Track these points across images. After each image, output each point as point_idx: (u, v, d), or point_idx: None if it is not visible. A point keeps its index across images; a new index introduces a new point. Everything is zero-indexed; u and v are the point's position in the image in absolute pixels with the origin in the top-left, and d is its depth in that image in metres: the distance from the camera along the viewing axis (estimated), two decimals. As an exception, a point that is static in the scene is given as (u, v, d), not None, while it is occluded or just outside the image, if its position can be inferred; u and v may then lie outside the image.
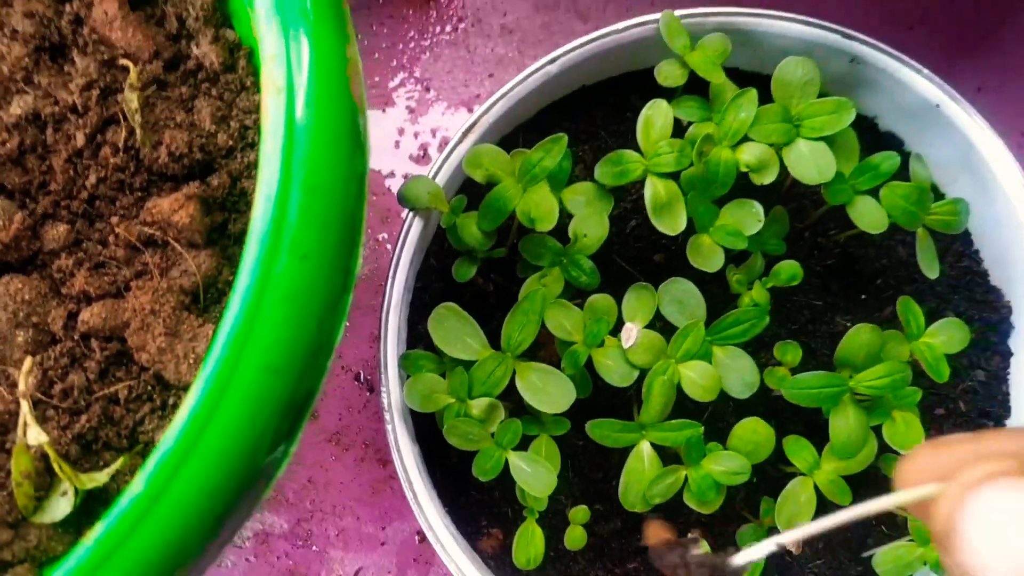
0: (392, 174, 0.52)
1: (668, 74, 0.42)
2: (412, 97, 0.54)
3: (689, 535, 0.43)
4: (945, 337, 0.41)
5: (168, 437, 0.24)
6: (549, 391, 0.39)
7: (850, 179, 0.42)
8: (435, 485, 0.43)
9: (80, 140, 0.31)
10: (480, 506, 0.45)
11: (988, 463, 0.23)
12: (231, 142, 0.32)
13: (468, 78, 0.54)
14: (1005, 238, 0.45)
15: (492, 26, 0.54)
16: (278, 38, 0.26)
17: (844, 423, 0.39)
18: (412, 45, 0.54)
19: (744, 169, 0.40)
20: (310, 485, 0.50)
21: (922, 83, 0.44)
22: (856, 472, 0.40)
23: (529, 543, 0.41)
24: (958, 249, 0.48)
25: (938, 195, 0.48)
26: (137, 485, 0.23)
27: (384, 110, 0.54)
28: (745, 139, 0.41)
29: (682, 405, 0.39)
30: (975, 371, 0.46)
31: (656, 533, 0.38)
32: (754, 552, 0.28)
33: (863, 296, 0.47)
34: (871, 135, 0.48)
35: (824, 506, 0.41)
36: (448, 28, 0.54)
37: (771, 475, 0.44)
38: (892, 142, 0.48)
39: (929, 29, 0.55)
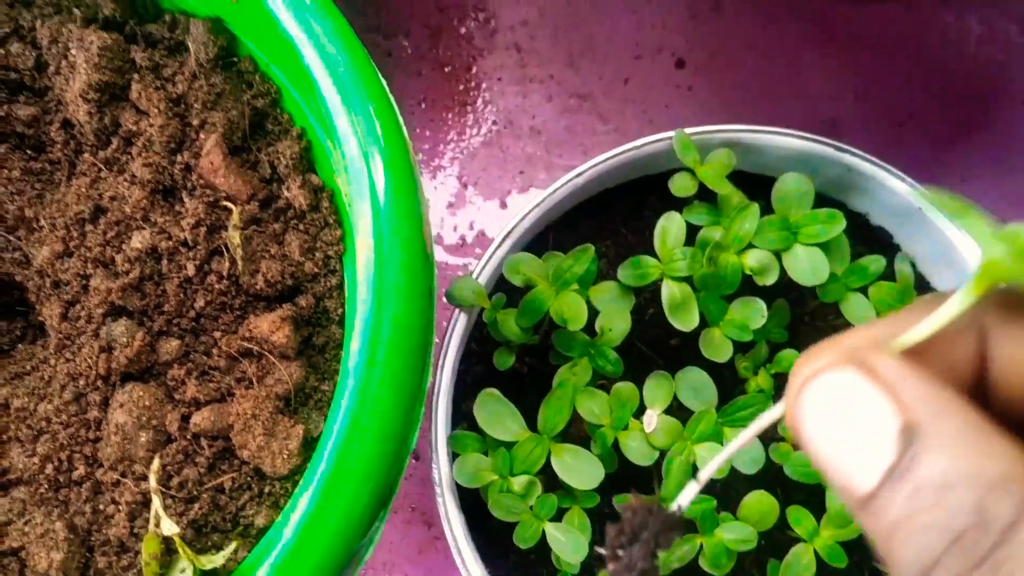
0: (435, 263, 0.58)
1: (681, 186, 0.48)
2: (452, 192, 0.60)
3: None
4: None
5: (288, 531, 0.30)
6: (580, 469, 0.44)
7: (842, 278, 0.48)
8: (478, 548, 0.49)
9: (190, 270, 0.37)
10: (519, 568, 0.50)
11: (820, 356, 0.23)
12: (316, 269, 0.38)
13: (501, 174, 0.60)
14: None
15: (522, 128, 0.61)
16: (367, 205, 0.32)
17: (834, 495, 0.45)
18: (452, 145, 0.60)
19: (748, 272, 0.46)
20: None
21: (905, 189, 0.50)
22: (851, 539, 0.46)
23: (562, 604, 0.46)
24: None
25: (926, 285, 0.54)
26: (263, 571, 0.29)
27: (428, 206, 0.60)
28: (749, 245, 0.47)
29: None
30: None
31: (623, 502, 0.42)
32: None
33: (858, 375, 0.53)
34: (864, 230, 0.54)
35: (824, 569, 0.46)
36: (483, 130, 0.61)
37: (777, 539, 0.50)
38: (882, 235, 0.54)
39: (917, 126, 0.61)
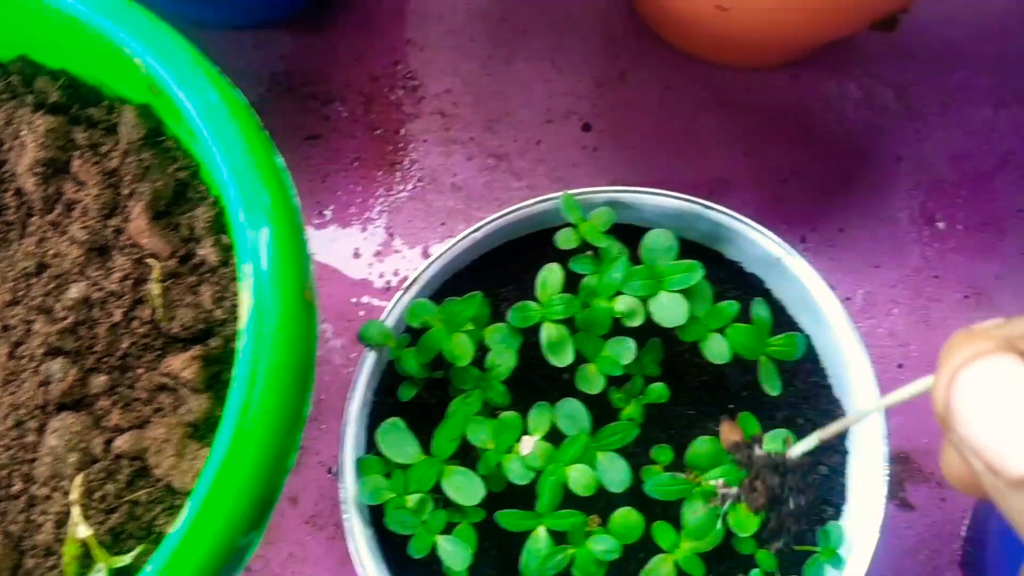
0: (361, 305, 0.65)
1: (565, 240, 0.55)
2: (380, 242, 0.67)
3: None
4: (774, 444, 0.53)
5: (174, 530, 0.37)
6: (465, 488, 0.51)
7: (703, 320, 0.54)
8: (388, 562, 0.55)
9: (118, 316, 0.44)
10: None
11: (977, 343, 0.24)
12: (225, 316, 0.45)
13: (425, 226, 0.67)
14: (837, 361, 0.57)
15: (445, 184, 0.68)
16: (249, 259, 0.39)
17: (692, 513, 0.51)
18: (381, 199, 0.68)
19: (617, 315, 0.53)
20: (291, 558, 0.62)
21: (766, 242, 0.57)
22: (708, 550, 0.52)
23: (452, 606, 0.52)
24: (808, 367, 0.59)
25: (794, 325, 0.60)
26: (151, 565, 0.36)
27: (358, 254, 0.67)
28: (619, 292, 0.53)
29: (585, 498, 0.51)
30: (819, 467, 0.58)
31: (727, 435, 0.49)
32: (804, 444, 0.35)
33: (731, 406, 0.59)
34: (739, 276, 0.61)
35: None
36: (409, 186, 0.68)
37: (654, 552, 0.56)
38: (754, 281, 0.60)
39: (801, 181, 0.68)
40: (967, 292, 0.66)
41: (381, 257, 0.66)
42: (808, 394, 0.59)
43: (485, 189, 0.67)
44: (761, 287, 0.61)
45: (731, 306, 0.54)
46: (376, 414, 0.57)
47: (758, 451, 0.43)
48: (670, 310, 0.53)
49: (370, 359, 0.55)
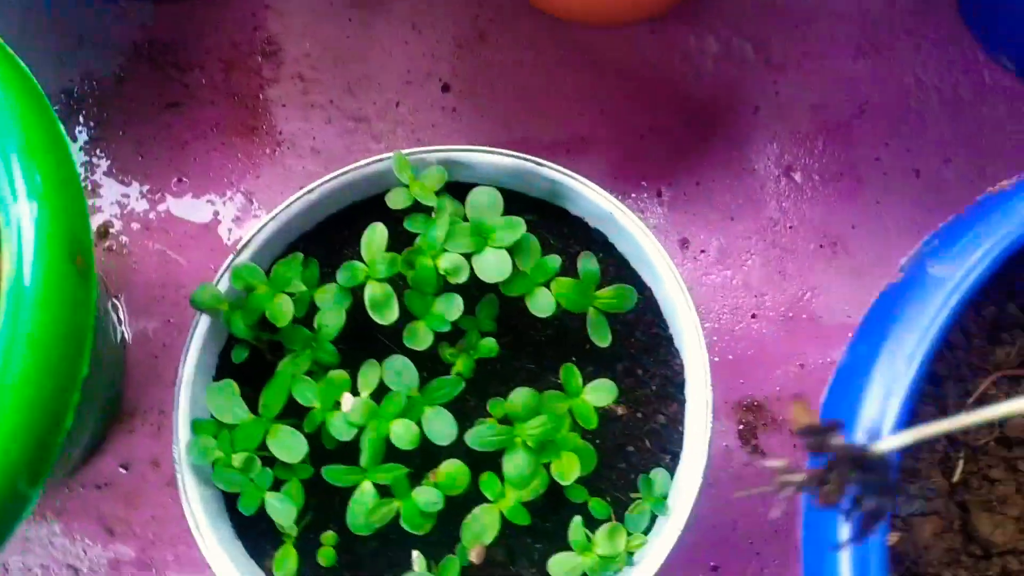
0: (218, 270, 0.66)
1: (396, 200, 0.56)
2: (239, 207, 0.68)
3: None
4: (596, 395, 0.54)
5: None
6: (288, 445, 0.52)
7: (531, 275, 0.55)
8: (235, 522, 0.57)
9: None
10: (269, 535, 0.57)
11: None
12: None
13: (283, 191, 0.68)
14: (674, 313, 0.58)
15: (304, 148, 0.68)
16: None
17: (514, 462, 0.52)
18: (240, 164, 0.68)
19: (443, 273, 0.54)
20: (153, 520, 0.63)
21: (598, 198, 0.57)
22: (532, 499, 0.53)
23: (283, 562, 0.54)
24: (649, 319, 0.60)
25: (632, 278, 0.61)
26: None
27: (218, 220, 0.68)
28: (444, 250, 0.54)
29: (424, 452, 0.52)
30: (657, 416, 0.59)
31: (799, 417, 0.49)
32: (899, 439, 0.32)
33: (573, 359, 0.60)
34: (583, 232, 0.61)
35: (509, 526, 0.54)
36: (268, 151, 0.68)
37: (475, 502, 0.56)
38: (598, 236, 0.61)
39: (659, 137, 0.68)
40: (822, 242, 0.67)
41: (240, 223, 0.67)
42: (649, 345, 0.60)
43: (345, 152, 0.68)
44: (605, 242, 0.61)
45: (554, 260, 0.54)
46: (219, 378, 0.58)
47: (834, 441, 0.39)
48: (493, 266, 0.54)
49: (203, 323, 0.56)
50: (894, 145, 0.68)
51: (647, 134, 0.68)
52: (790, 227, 0.67)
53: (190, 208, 0.67)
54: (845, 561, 0.37)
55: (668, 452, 0.58)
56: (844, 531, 0.37)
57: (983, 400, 0.43)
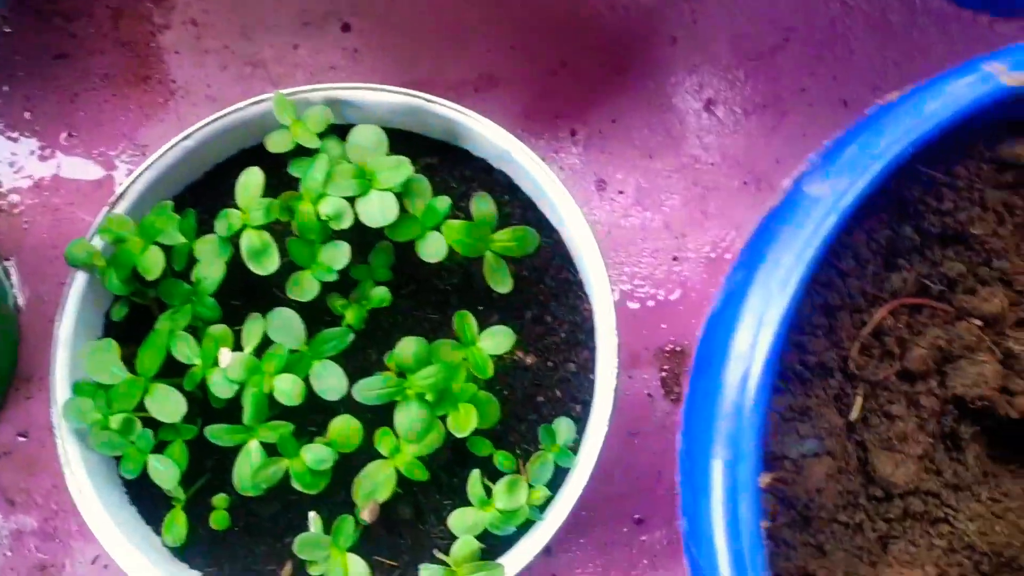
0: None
1: (276, 143, 0.53)
2: (132, 159, 0.64)
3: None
4: (493, 342, 0.51)
5: None
6: (167, 405, 0.49)
7: (422, 219, 0.52)
8: (131, 490, 0.54)
9: None
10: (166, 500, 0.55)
11: None
12: None
13: (178, 141, 0.64)
14: (580, 256, 0.55)
15: (199, 96, 0.65)
16: None
17: (406, 415, 0.49)
18: (132, 115, 0.65)
19: (324, 219, 0.51)
20: (55, 489, 0.61)
21: (494, 135, 0.54)
22: (429, 453, 0.51)
23: (172, 526, 0.51)
24: (558, 264, 0.57)
25: (539, 221, 0.57)
26: None
27: (112, 173, 0.64)
28: (326, 194, 0.51)
29: (313, 407, 0.50)
30: (568, 364, 0.56)
31: None
32: None
33: (480, 308, 0.57)
34: (486, 173, 0.58)
35: (418, 484, 0.52)
36: (161, 100, 0.65)
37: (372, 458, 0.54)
38: (502, 178, 0.58)
39: (570, 72, 0.65)
40: (746, 179, 0.64)
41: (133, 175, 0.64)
42: (558, 291, 0.57)
43: (242, 99, 0.64)
44: (509, 183, 0.58)
45: (443, 201, 0.51)
46: (114, 336, 0.55)
47: None
48: (378, 209, 0.51)
49: (80, 280, 0.53)
50: (820, 74, 0.65)
51: (559, 70, 0.65)
52: (712, 164, 0.64)
53: (83, 164, 0.64)
54: (718, 505, 0.34)
55: (579, 401, 0.56)
56: (717, 476, 0.35)
57: (880, 331, 0.40)
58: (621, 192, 0.64)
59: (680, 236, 0.64)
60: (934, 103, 0.35)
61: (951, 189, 0.39)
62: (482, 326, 0.52)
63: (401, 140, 0.58)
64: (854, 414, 0.40)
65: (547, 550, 0.61)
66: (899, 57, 0.65)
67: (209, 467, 0.54)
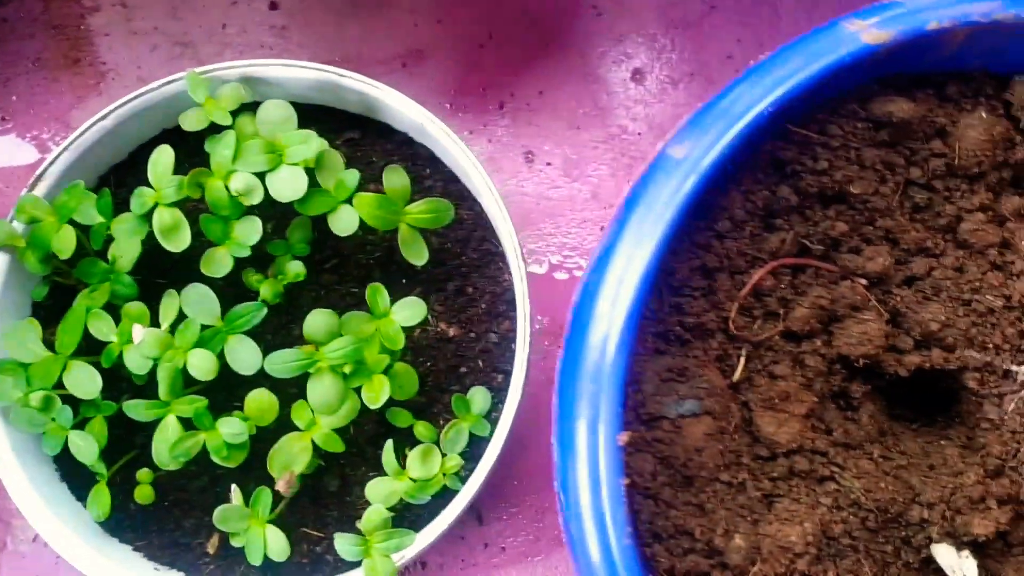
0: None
1: (189, 121, 0.53)
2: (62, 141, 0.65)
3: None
4: (405, 313, 0.51)
5: None
6: (83, 381, 0.50)
7: (334, 192, 0.52)
8: (62, 467, 0.55)
9: None
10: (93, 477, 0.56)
11: None
12: None
13: (110, 124, 0.65)
14: (496, 226, 0.55)
15: (129, 78, 0.65)
16: None
17: (319, 388, 0.50)
18: (64, 99, 0.65)
19: (235, 194, 0.51)
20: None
21: (408, 108, 0.54)
22: (344, 425, 0.51)
23: (96, 501, 0.52)
24: (481, 235, 0.58)
25: (461, 195, 0.58)
26: None
27: (44, 156, 0.65)
28: (236, 170, 0.51)
29: (242, 382, 0.50)
30: (490, 335, 0.57)
31: None
32: None
33: (403, 281, 0.57)
34: (407, 146, 0.58)
35: (344, 456, 0.53)
36: (92, 83, 0.65)
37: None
38: (423, 151, 0.58)
39: (497, 46, 0.65)
40: (674, 147, 0.64)
41: (67, 159, 0.64)
42: (480, 262, 0.58)
43: (172, 80, 0.65)
44: (431, 156, 0.58)
45: (353, 175, 0.52)
46: (42, 317, 0.56)
47: None
48: (288, 184, 0.51)
49: (2, 261, 0.53)
50: (746, 40, 0.64)
51: (487, 43, 0.65)
52: (639, 134, 0.64)
53: (15, 148, 0.65)
54: (582, 465, 0.35)
55: (500, 371, 0.56)
56: (581, 436, 0.35)
57: (761, 292, 0.41)
58: (549, 164, 0.64)
59: (608, 207, 0.64)
60: (796, 62, 0.36)
61: (826, 148, 0.39)
62: (404, 298, 0.52)
63: (322, 116, 0.59)
64: (737, 374, 0.41)
65: (479, 519, 0.62)
66: (828, 19, 0.64)
67: (139, 443, 0.55)
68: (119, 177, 0.58)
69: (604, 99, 0.64)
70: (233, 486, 0.53)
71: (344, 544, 0.50)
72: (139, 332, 0.50)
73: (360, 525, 0.50)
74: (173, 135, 0.58)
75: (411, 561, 0.52)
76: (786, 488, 0.41)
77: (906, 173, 0.41)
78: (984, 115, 0.39)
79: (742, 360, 0.41)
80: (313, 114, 0.59)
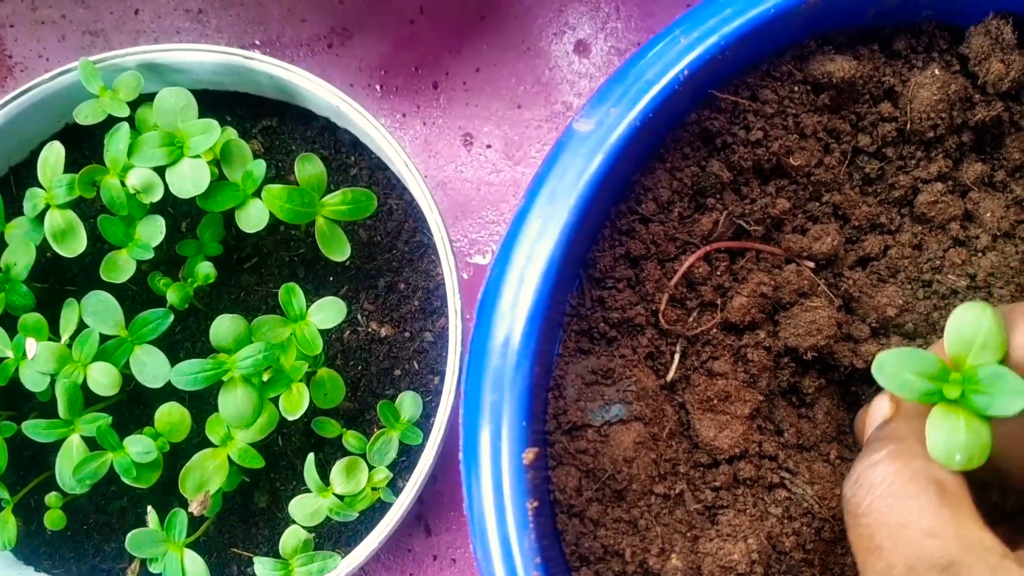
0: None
1: (85, 114, 0.49)
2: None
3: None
4: (323, 315, 0.47)
5: None
6: (-27, 402, 0.46)
7: (243, 185, 0.48)
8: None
9: None
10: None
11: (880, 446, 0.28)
12: None
13: (19, 121, 0.60)
14: (425, 215, 0.51)
15: (38, 70, 0.61)
16: None
17: (230, 400, 0.46)
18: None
19: (133, 192, 0.47)
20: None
21: (319, 90, 0.50)
22: (262, 439, 0.47)
23: (3, 528, 0.48)
24: (413, 226, 0.53)
25: (389, 182, 0.54)
26: None
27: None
28: (132, 165, 0.47)
29: (145, 397, 0.46)
30: (425, 334, 0.52)
31: None
32: None
33: (330, 279, 0.53)
34: (329, 133, 0.54)
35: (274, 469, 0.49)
36: (-2, 78, 0.61)
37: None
38: (346, 137, 0.54)
39: (428, 21, 0.60)
40: (623, 123, 0.59)
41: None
42: (412, 255, 0.53)
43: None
44: (355, 142, 0.54)
45: (259, 166, 0.47)
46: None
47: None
48: (189, 178, 0.47)
49: None
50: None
51: (418, 18, 0.60)
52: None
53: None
54: (486, 482, 0.31)
55: (437, 372, 0.52)
56: (484, 450, 0.31)
57: (694, 280, 0.36)
58: (489, 146, 0.59)
59: (555, 189, 0.59)
60: (715, 19, 0.31)
61: (759, 116, 0.35)
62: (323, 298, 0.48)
63: (237, 103, 0.54)
64: (670, 374, 0.36)
65: (427, 530, 0.58)
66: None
67: (52, 464, 0.51)
68: (19, 178, 0.54)
69: (546, 74, 0.60)
70: (149, 508, 0.49)
71: (264, 569, 0.46)
72: (32, 346, 0.46)
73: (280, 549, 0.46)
74: (78, 131, 0.54)
75: (350, 574, 0.48)
76: (730, 499, 0.37)
77: (853, 141, 0.37)
78: (937, 72, 0.35)
79: (676, 357, 0.37)
80: (227, 101, 0.54)
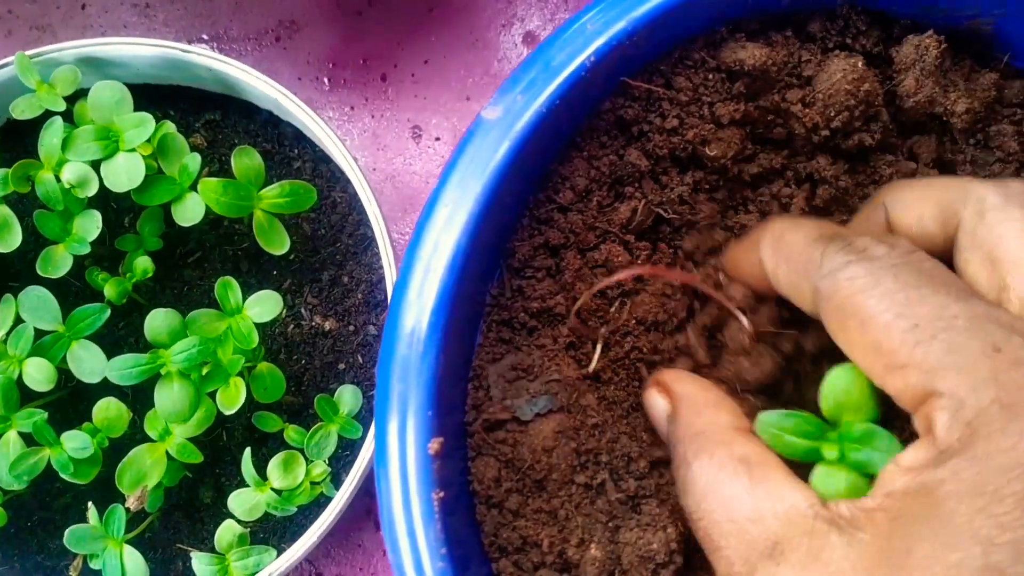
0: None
1: (20, 109, 0.49)
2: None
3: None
4: (259, 309, 0.47)
5: None
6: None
7: (180, 180, 0.48)
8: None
9: None
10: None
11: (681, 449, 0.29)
12: None
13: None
14: (367, 209, 0.51)
15: None
16: None
17: (167, 394, 0.46)
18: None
19: (68, 186, 0.47)
20: None
21: (258, 83, 0.50)
22: (204, 434, 0.47)
23: (-61, 526, 0.48)
24: (356, 219, 0.53)
25: (333, 176, 0.53)
26: None
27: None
28: (69, 159, 0.47)
29: (86, 393, 0.46)
30: (368, 327, 0.52)
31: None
32: None
33: (274, 272, 0.53)
34: (272, 126, 0.54)
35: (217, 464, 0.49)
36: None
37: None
38: (289, 130, 0.54)
39: (377, 14, 0.60)
40: (573, 115, 0.59)
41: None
42: (356, 248, 0.53)
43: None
44: (298, 135, 0.54)
45: (194, 159, 0.47)
46: None
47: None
48: (123, 172, 0.46)
49: None
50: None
51: (365, 10, 0.60)
52: (534, 101, 0.59)
53: None
54: (394, 473, 0.31)
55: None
56: (392, 441, 0.31)
57: (610, 268, 0.36)
58: (438, 139, 0.59)
59: (504, 182, 0.59)
60: (621, 7, 0.31)
61: (674, 104, 0.34)
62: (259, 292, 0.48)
63: (179, 97, 0.54)
64: (592, 364, 0.36)
65: (376, 524, 0.58)
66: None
67: (-5, 461, 0.51)
68: (-37, 173, 0.53)
69: (495, 66, 0.60)
70: (89, 504, 0.49)
71: (200, 564, 0.46)
72: (-36, 343, 0.46)
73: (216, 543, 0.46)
74: (19, 126, 0.54)
75: (290, 568, 0.48)
76: (653, 488, 0.36)
77: (767, 132, 0.36)
78: (859, 65, 0.35)
79: (598, 348, 0.36)
80: (171, 96, 0.54)
